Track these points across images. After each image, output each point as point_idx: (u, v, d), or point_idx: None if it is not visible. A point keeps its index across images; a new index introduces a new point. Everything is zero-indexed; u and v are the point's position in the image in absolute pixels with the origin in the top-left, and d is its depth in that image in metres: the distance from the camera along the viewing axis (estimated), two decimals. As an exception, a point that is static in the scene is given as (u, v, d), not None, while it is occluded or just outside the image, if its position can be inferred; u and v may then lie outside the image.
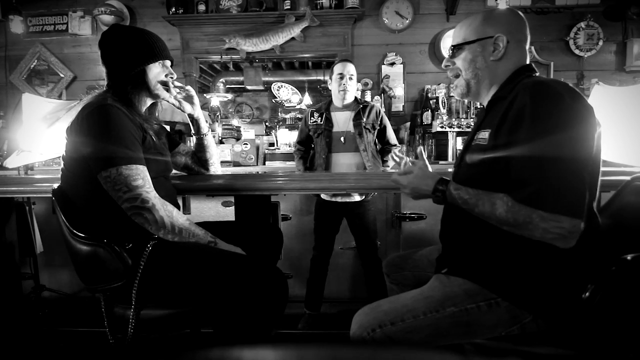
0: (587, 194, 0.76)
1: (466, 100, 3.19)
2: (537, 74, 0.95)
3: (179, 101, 1.28)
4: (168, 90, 1.22)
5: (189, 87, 1.32)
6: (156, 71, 1.18)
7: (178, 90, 1.27)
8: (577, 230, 0.74)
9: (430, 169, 1.03)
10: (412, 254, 1.23)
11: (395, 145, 2.14)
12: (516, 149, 0.80)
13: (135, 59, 1.14)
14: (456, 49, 1.00)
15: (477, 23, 0.97)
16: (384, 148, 2.15)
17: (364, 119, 2.01)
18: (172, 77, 1.22)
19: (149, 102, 1.23)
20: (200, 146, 1.41)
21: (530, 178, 0.77)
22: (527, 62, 0.97)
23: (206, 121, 1.43)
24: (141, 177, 1.03)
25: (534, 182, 0.77)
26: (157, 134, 1.24)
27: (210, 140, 1.43)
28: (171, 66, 1.23)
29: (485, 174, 0.88)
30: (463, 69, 1.00)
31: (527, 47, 0.97)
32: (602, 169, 0.84)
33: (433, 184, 0.95)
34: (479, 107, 3.23)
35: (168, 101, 1.24)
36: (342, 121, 2.04)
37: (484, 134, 0.91)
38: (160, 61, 1.18)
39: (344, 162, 2.02)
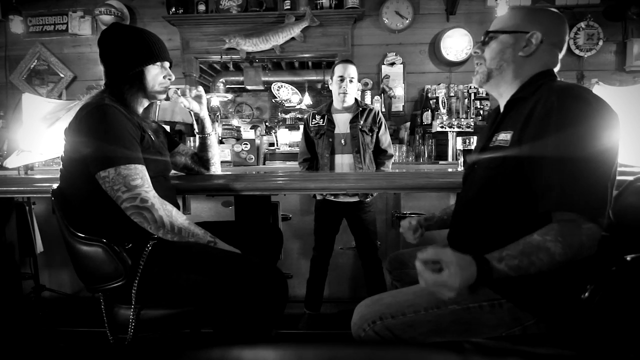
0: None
1: (466, 101, 3.19)
2: (560, 80, 0.94)
3: (188, 100, 1.32)
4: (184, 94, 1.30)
5: (200, 88, 1.36)
6: (154, 72, 1.17)
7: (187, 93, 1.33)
8: (599, 237, 0.74)
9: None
10: (415, 251, 1.23)
11: (385, 151, 2.10)
12: (543, 152, 0.79)
13: (134, 60, 1.13)
14: (490, 35, 0.98)
15: (520, 15, 0.95)
16: (377, 161, 2.11)
17: (361, 122, 2.01)
18: (170, 79, 1.22)
19: (145, 103, 1.22)
20: (204, 145, 1.43)
21: (558, 182, 0.76)
22: (555, 67, 0.95)
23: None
24: (140, 176, 1.03)
25: (556, 187, 0.76)
26: (155, 133, 1.24)
27: (213, 140, 1.44)
28: (170, 67, 1.23)
29: (507, 176, 0.87)
30: (489, 58, 0.98)
31: (561, 54, 0.96)
32: None
33: (475, 268, 0.75)
34: (479, 107, 3.23)
35: (182, 104, 1.30)
36: (343, 123, 2.04)
37: (505, 136, 0.90)
38: (159, 62, 1.18)
39: (346, 163, 2.03)
